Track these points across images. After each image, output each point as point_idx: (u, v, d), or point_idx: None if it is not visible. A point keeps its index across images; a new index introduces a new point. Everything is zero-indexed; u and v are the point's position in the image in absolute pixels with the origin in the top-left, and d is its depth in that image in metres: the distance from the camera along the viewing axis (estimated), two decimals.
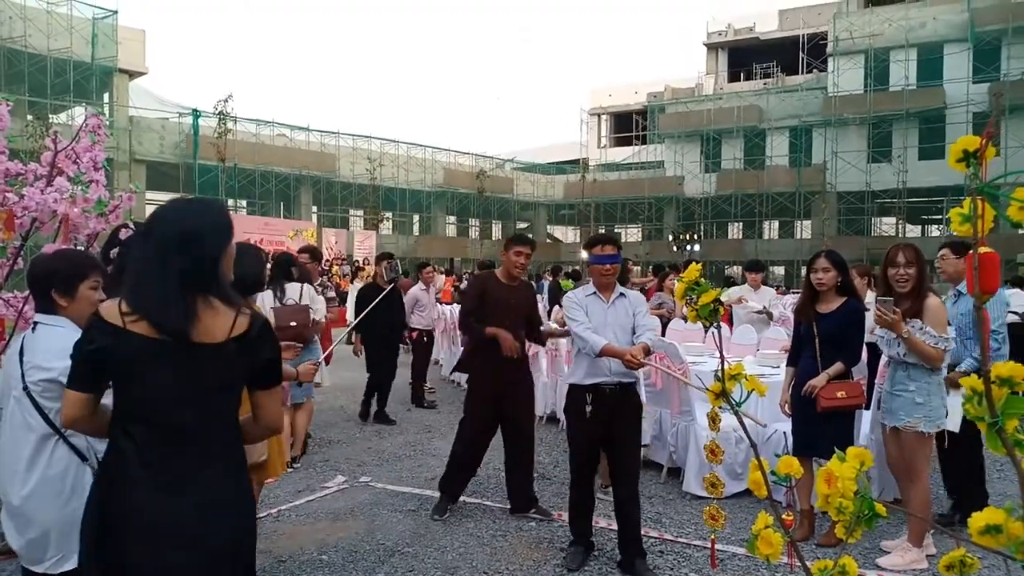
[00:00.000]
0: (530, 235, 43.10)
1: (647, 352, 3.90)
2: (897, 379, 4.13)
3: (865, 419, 5.15)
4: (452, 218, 44.33)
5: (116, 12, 28.39)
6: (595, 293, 4.08)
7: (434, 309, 9.62)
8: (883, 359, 5.21)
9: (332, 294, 8.20)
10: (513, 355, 4.63)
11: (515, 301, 4.75)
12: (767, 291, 8.79)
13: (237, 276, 3.32)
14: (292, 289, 5.87)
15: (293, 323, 5.44)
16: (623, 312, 4.05)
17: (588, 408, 3.95)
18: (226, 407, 2.00)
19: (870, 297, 4.93)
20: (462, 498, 5.26)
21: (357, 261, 25.89)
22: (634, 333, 4.00)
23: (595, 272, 4.08)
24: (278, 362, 2.11)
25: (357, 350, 8.13)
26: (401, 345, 8.54)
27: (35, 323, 2.71)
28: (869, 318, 4.38)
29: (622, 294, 4.12)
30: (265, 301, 5.48)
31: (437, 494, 5.33)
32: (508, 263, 4.79)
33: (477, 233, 44.06)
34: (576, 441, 4.13)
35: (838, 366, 4.30)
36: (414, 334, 8.99)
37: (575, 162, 45.24)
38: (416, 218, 42.73)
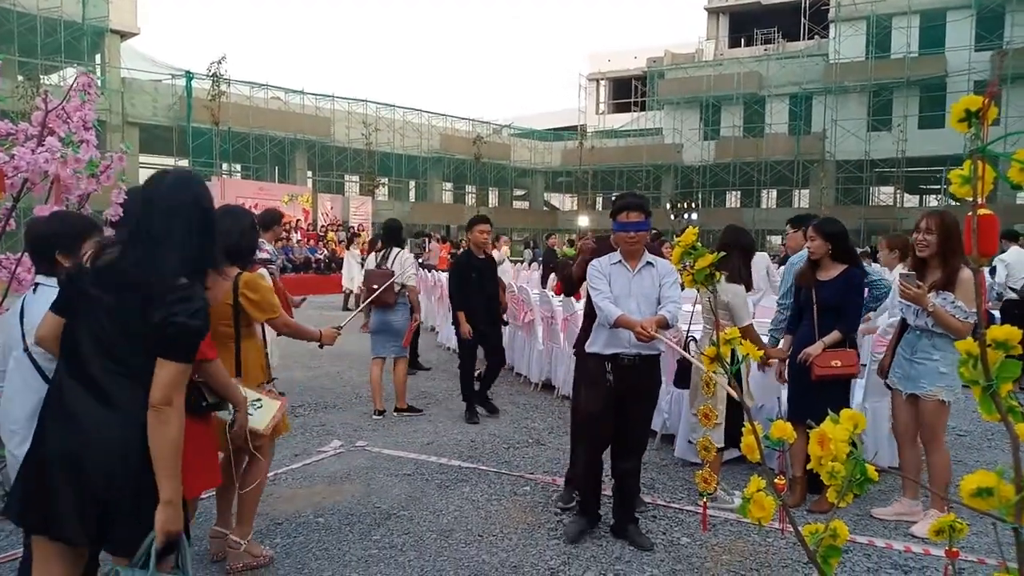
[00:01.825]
0: (526, 202, 42.56)
1: (664, 325, 3.70)
2: (920, 347, 4.10)
3: (858, 387, 5.17)
4: (448, 184, 44.10)
5: None
6: (620, 262, 3.91)
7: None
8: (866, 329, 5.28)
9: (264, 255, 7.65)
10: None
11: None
12: (761, 257, 8.72)
13: (234, 244, 3.32)
14: (394, 254, 6.68)
15: (375, 285, 6.11)
16: (649, 282, 3.87)
17: (610, 377, 3.83)
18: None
19: (900, 269, 4.94)
20: (458, 463, 5.31)
21: (352, 227, 25.79)
22: (659, 304, 3.83)
23: (620, 240, 3.90)
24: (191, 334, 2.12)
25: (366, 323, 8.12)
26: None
27: (36, 284, 2.70)
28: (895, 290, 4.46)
29: (649, 263, 3.92)
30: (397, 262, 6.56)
31: (432, 458, 5.37)
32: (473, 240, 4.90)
33: (474, 200, 43.86)
34: (592, 411, 3.98)
35: (834, 334, 4.31)
36: None
37: (573, 128, 44.90)
38: (412, 184, 42.51)
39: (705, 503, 3.12)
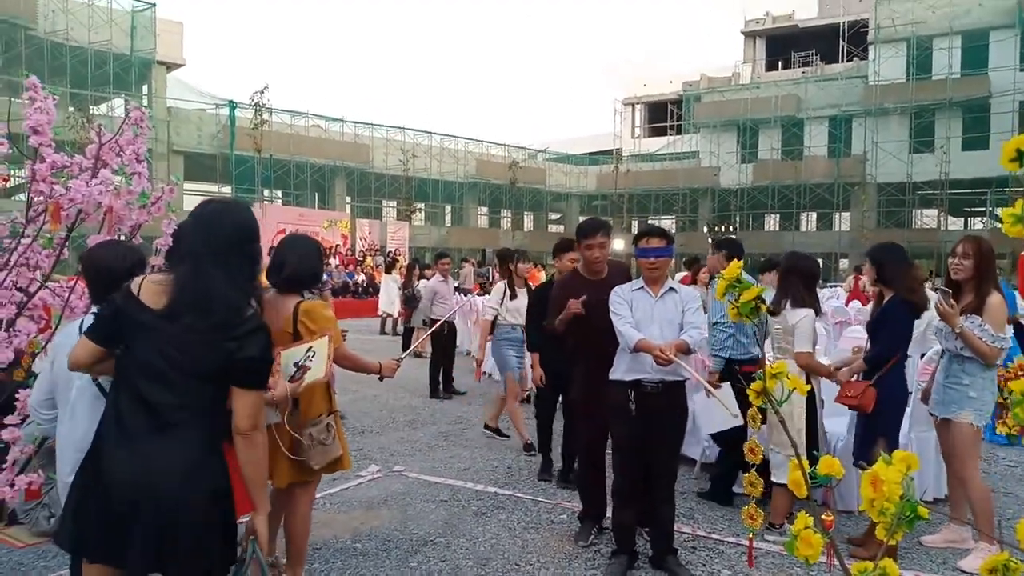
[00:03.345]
0: (561, 226, 42.54)
1: (684, 350, 3.69)
2: (952, 372, 4.13)
3: (905, 417, 5.05)
4: (484, 209, 44.39)
5: (155, 4, 28.90)
6: (643, 287, 3.92)
7: (452, 300, 9.60)
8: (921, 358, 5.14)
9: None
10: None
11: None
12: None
13: (297, 271, 3.35)
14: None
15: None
16: (672, 307, 3.87)
17: (632, 406, 3.80)
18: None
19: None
20: (494, 489, 5.29)
21: (391, 252, 26.06)
22: (681, 329, 3.82)
23: (641, 265, 3.94)
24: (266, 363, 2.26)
25: (420, 349, 8.16)
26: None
27: (94, 312, 2.78)
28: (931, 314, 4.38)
29: (672, 288, 3.93)
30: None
31: (469, 484, 5.37)
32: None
33: (509, 224, 44.05)
34: (620, 442, 3.95)
35: (857, 363, 4.33)
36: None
37: (608, 152, 44.96)
38: (448, 209, 42.87)
39: (751, 539, 3.06)
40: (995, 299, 4.00)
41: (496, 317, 6.55)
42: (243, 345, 2.10)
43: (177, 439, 2.11)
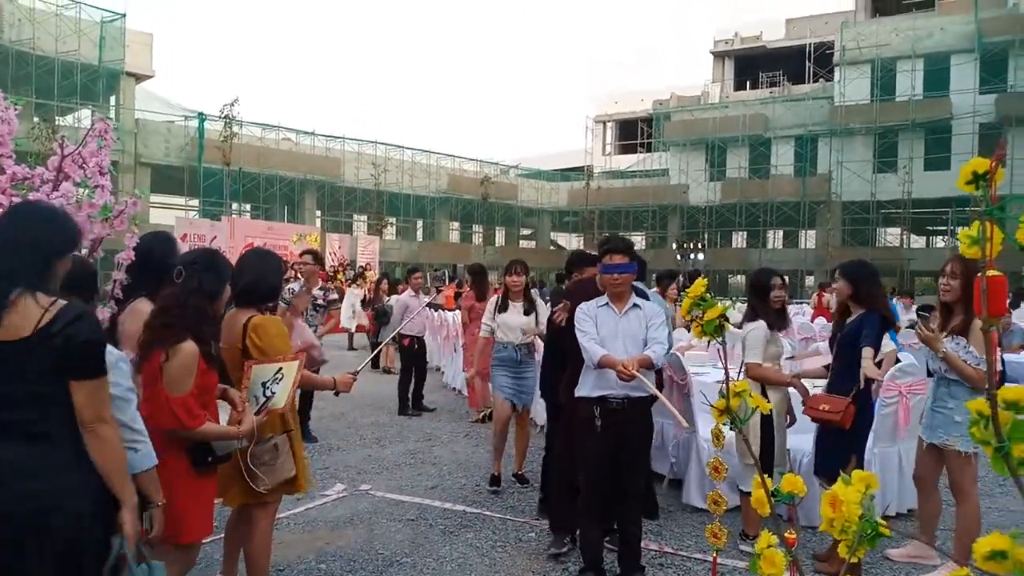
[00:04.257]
0: (533, 242, 42.62)
1: (647, 365, 3.72)
2: (938, 395, 4.05)
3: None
4: (456, 224, 44.39)
5: (124, 15, 28.59)
6: (607, 304, 3.94)
7: (423, 315, 9.55)
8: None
9: (334, 296, 7.99)
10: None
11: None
12: None
13: (248, 285, 3.30)
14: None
15: None
16: (636, 323, 3.89)
17: (598, 422, 3.81)
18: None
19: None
20: (462, 507, 5.25)
21: (362, 266, 25.89)
22: (646, 345, 3.84)
23: (605, 282, 3.97)
24: (87, 351, 2.05)
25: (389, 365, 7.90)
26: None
27: None
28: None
29: (636, 305, 3.94)
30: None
31: (436, 503, 5.32)
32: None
33: (480, 239, 44.08)
34: (586, 458, 3.95)
35: (814, 371, 4.46)
36: (406, 341, 8.91)
37: (579, 169, 45.30)
38: (420, 224, 42.80)
39: (715, 557, 3.06)
40: (979, 321, 3.89)
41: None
42: (69, 335, 1.98)
43: (43, 451, 2.02)
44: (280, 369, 3.10)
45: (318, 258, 7.20)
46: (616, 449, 3.83)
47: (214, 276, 2.84)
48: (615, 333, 3.86)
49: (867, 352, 3.98)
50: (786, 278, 4.65)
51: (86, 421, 2.01)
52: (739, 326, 4.50)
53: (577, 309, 4.00)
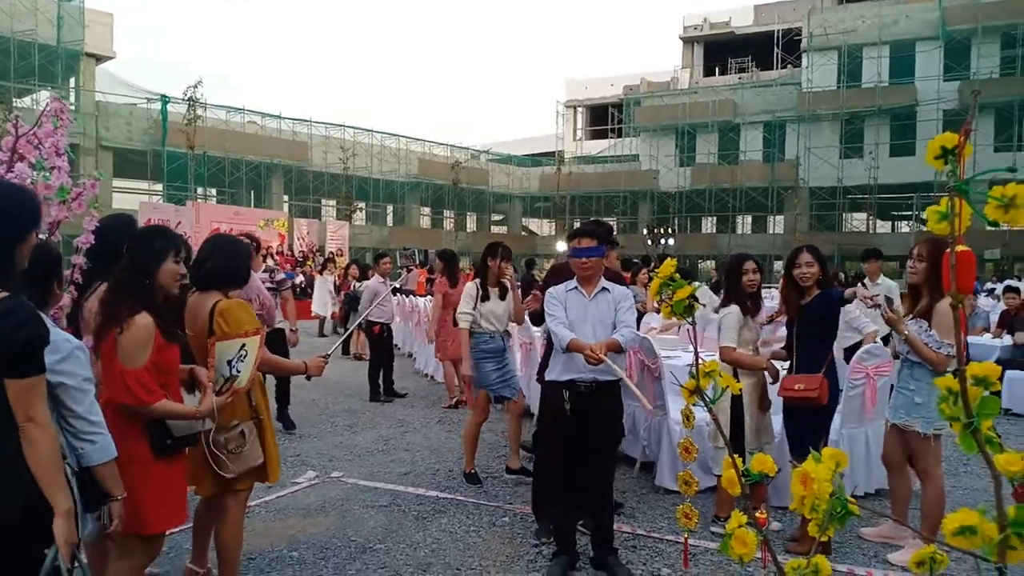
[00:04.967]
0: (504, 227, 42.40)
1: (615, 349, 3.73)
2: (902, 377, 4.13)
3: (837, 414, 5.18)
4: (427, 209, 44.13)
5: None
6: (576, 288, 3.96)
7: (392, 302, 9.46)
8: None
9: (300, 279, 7.75)
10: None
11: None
12: (886, 283, 7.85)
13: (216, 268, 3.24)
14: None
15: None
16: (605, 307, 3.90)
17: (567, 405, 3.82)
18: None
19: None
20: (435, 493, 5.23)
21: (331, 252, 25.64)
22: (614, 329, 3.86)
23: (574, 266, 3.98)
24: (17, 348, 1.95)
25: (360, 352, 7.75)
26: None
27: None
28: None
29: (605, 288, 3.96)
30: None
31: (410, 489, 5.30)
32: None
33: (452, 224, 43.88)
34: (553, 441, 3.99)
35: (774, 349, 4.50)
36: (375, 328, 8.84)
37: (551, 154, 45.25)
38: (390, 209, 42.46)
39: (687, 538, 3.08)
40: (943, 305, 3.89)
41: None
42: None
43: None
44: (244, 345, 3.06)
45: (255, 241, 7.02)
46: (585, 432, 3.84)
47: (146, 253, 2.77)
48: (584, 317, 3.88)
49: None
50: (759, 262, 4.64)
51: (18, 420, 1.94)
52: (716, 311, 4.54)
53: (547, 293, 4.02)
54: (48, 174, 3.45)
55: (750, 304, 4.47)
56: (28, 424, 1.95)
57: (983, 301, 13.14)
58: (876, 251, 8.27)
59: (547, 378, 3.97)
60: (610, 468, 4.08)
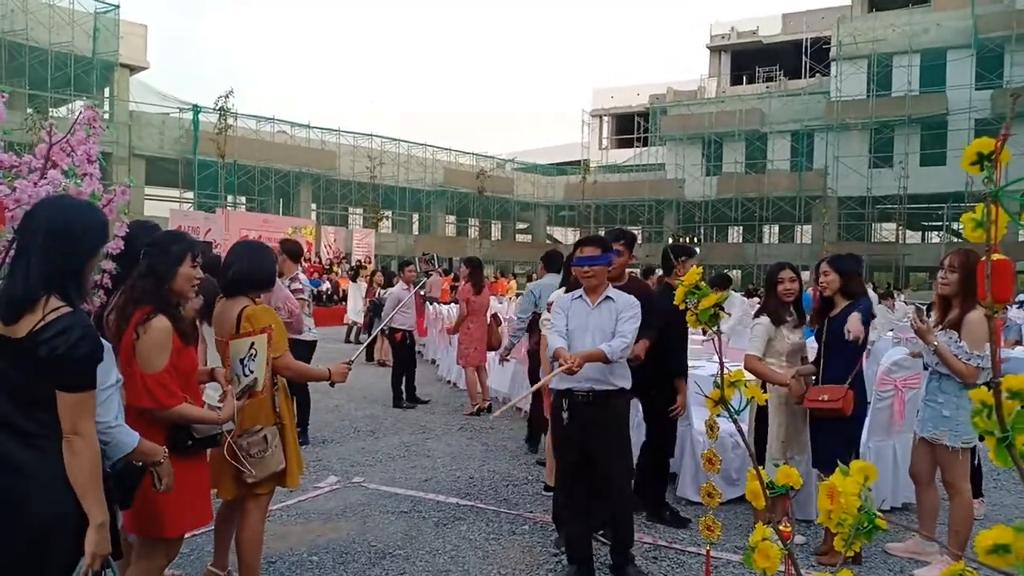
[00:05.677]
0: (529, 236, 42.41)
1: (596, 359, 3.64)
2: (930, 389, 4.04)
3: (864, 427, 5.09)
4: (452, 217, 44.32)
5: (118, 6, 28.42)
6: (581, 296, 3.94)
7: (414, 309, 9.49)
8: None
9: (297, 285, 7.45)
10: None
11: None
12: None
13: (241, 274, 3.28)
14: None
15: None
16: (607, 316, 3.86)
17: (565, 414, 3.82)
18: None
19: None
20: (455, 500, 5.22)
21: (359, 260, 25.84)
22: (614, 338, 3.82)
23: (577, 274, 3.96)
24: (69, 364, 2.00)
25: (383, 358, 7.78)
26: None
27: None
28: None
29: (609, 297, 3.91)
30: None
31: (430, 495, 5.29)
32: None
33: (476, 233, 43.99)
34: (560, 451, 3.99)
35: (807, 367, 4.37)
36: (398, 335, 8.85)
37: (576, 163, 45.22)
38: (415, 217, 42.71)
39: (708, 550, 3.04)
40: (974, 315, 3.80)
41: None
42: (52, 348, 1.95)
43: (36, 452, 2.01)
44: (253, 344, 3.07)
45: (299, 247, 7.07)
46: (586, 441, 3.81)
47: (163, 257, 2.78)
48: (585, 326, 3.86)
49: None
50: (797, 271, 4.57)
51: (64, 432, 2.00)
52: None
53: (553, 302, 4.03)
54: (80, 181, 3.50)
55: (787, 314, 4.41)
56: (73, 437, 2.00)
57: (1014, 313, 12.86)
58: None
59: (549, 387, 4.00)
60: (620, 476, 3.98)
